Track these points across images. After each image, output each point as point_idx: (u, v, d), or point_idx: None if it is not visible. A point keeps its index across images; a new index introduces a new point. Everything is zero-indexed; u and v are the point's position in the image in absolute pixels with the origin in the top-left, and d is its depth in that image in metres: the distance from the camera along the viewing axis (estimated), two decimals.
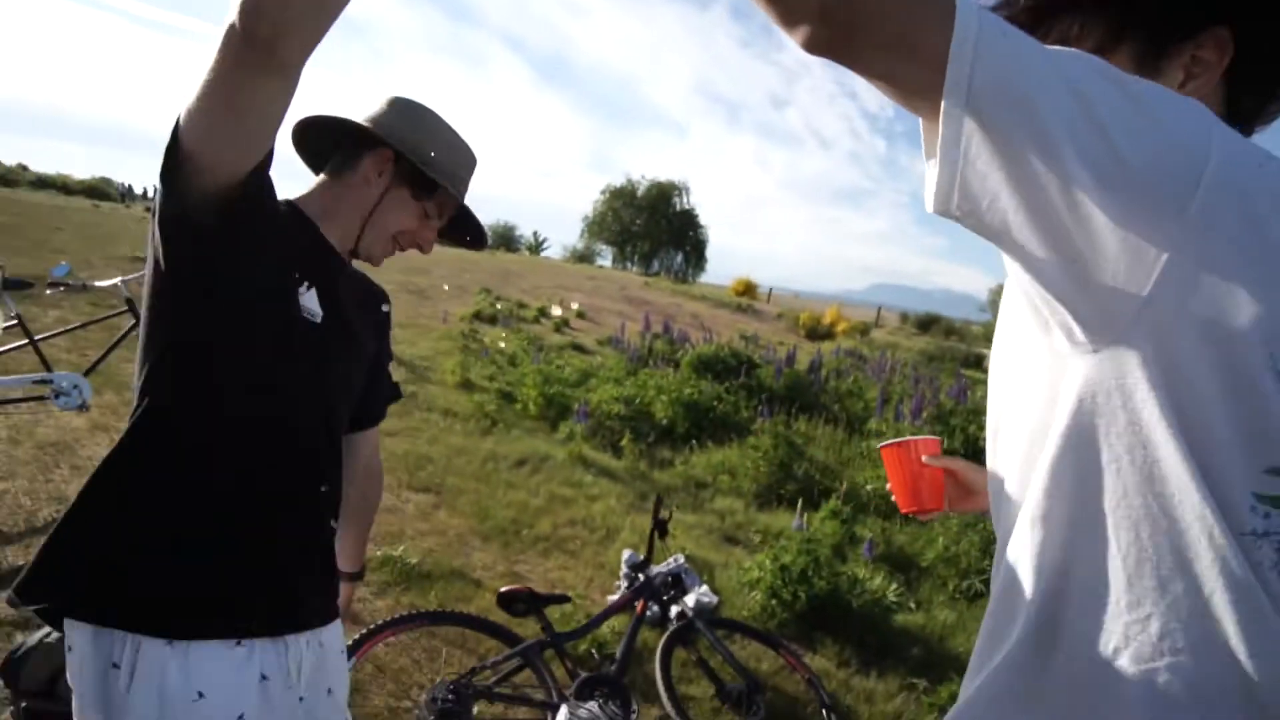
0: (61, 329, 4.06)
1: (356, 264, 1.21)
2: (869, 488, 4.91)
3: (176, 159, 0.80)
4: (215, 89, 0.75)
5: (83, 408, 3.52)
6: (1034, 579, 0.62)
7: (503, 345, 8.24)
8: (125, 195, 40.86)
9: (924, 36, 0.52)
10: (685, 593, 3.15)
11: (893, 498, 1.12)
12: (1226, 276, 0.52)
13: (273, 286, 0.98)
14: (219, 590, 0.97)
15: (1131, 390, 0.55)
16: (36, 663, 1.96)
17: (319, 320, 1.04)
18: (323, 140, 1.16)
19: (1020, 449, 0.67)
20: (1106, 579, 0.58)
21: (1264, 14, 0.62)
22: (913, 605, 3.54)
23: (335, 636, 1.17)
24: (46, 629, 2.04)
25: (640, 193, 50.71)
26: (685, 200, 51.54)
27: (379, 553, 3.10)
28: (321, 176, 1.15)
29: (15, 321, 3.35)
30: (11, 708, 1.95)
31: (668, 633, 2.59)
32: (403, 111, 1.13)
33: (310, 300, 1.03)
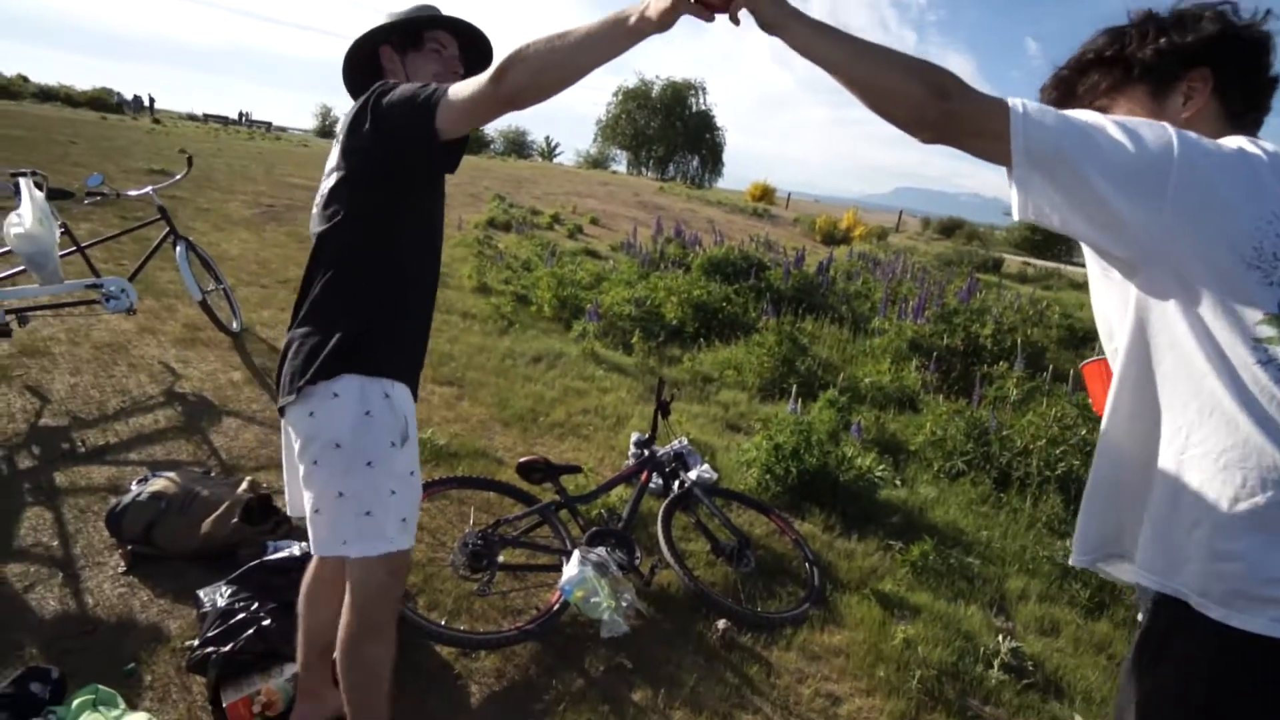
0: (101, 237, 4.30)
1: None
2: (867, 380, 5.18)
3: (429, 126, 1.24)
4: (468, 107, 1.21)
5: (130, 311, 3.80)
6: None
7: (517, 252, 8.42)
8: (131, 106, 40.16)
9: (994, 126, 0.92)
10: (687, 469, 3.48)
11: (1091, 404, 1.44)
12: (1196, 221, 0.87)
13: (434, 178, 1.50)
14: (411, 356, 1.49)
15: (1162, 294, 0.91)
16: (133, 515, 2.33)
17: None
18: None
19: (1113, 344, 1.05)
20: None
21: (1228, 59, 0.98)
22: (898, 482, 3.87)
23: None
24: (139, 490, 2.40)
25: (655, 93, 48.87)
26: (702, 101, 49.69)
27: None
28: None
29: (64, 230, 3.60)
30: (120, 550, 2.33)
31: (670, 496, 2.92)
32: (401, 11, 1.52)
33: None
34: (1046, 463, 3.83)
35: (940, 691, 2.31)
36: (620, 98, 49.57)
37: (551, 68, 1.15)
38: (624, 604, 2.39)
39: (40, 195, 3.51)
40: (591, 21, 1.17)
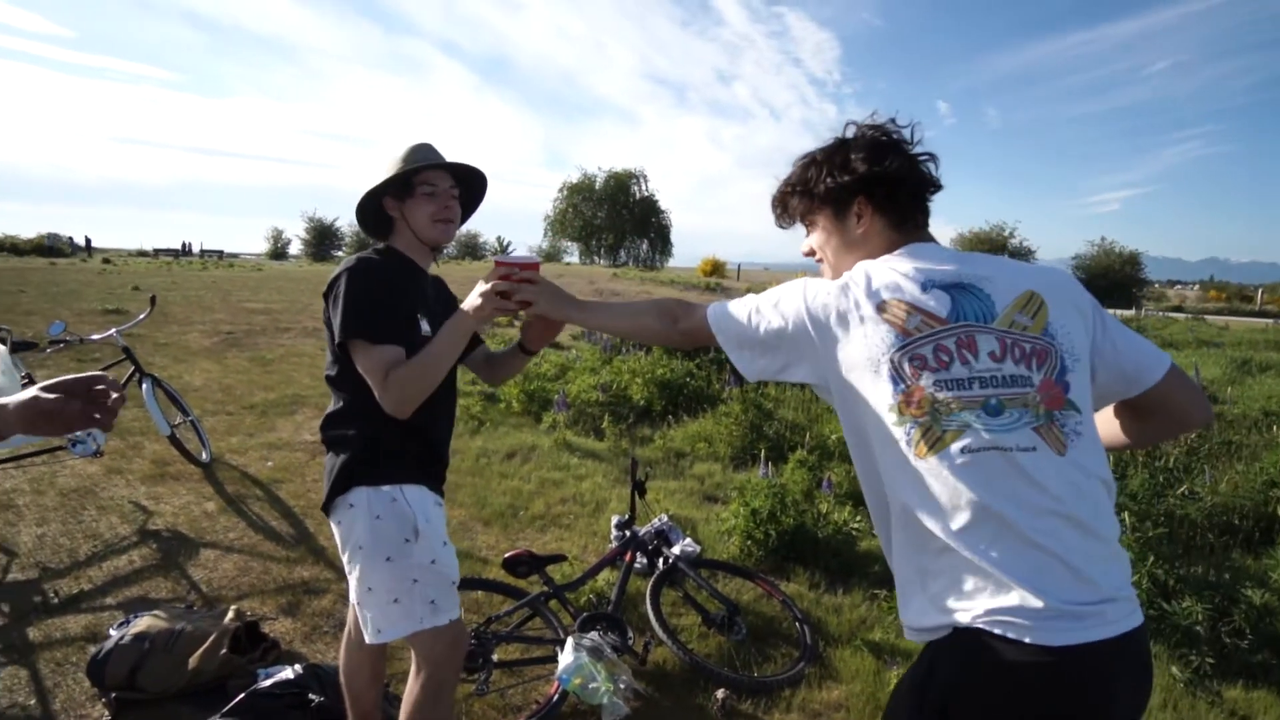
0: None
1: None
2: (834, 437, 5.34)
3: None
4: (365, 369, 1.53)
5: (97, 454, 3.79)
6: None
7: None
8: (79, 249, 40.23)
9: (708, 330, 1.29)
10: (670, 545, 3.54)
11: None
12: (827, 354, 1.15)
13: (412, 331, 1.62)
14: (418, 460, 1.67)
15: (840, 404, 1.17)
16: (116, 661, 2.30)
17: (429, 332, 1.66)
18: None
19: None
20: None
21: (876, 189, 1.24)
22: (874, 533, 3.96)
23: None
24: (120, 634, 2.37)
25: (599, 185, 50.77)
26: (644, 187, 51.72)
27: None
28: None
29: (26, 380, 3.62)
30: (103, 699, 2.28)
31: (656, 574, 2.97)
32: (398, 158, 1.69)
33: (424, 325, 1.66)
34: None
35: None
36: (566, 193, 51.36)
37: (421, 385, 1.53)
38: (622, 686, 2.41)
39: (3, 349, 3.55)
40: (441, 340, 1.55)
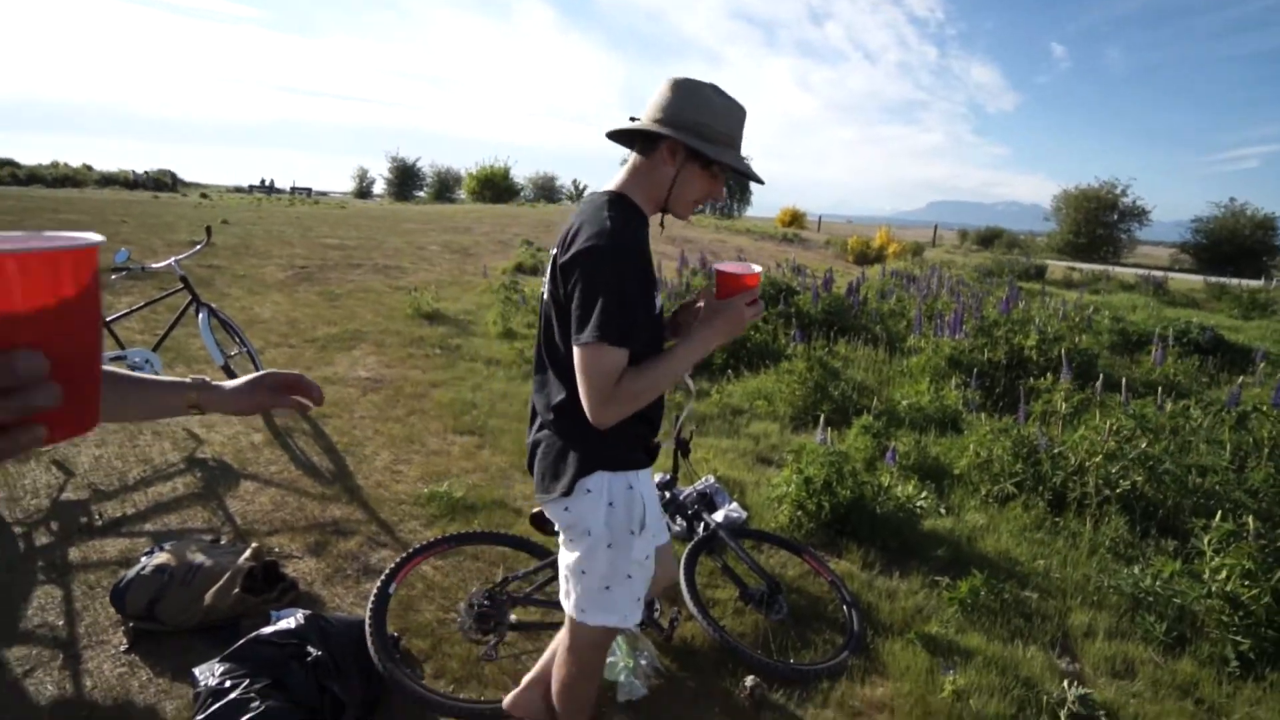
0: (127, 310, 4.40)
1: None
2: (905, 402, 4.94)
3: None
4: (587, 382, 1.37)
5: None
6: None
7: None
8: (180, 183, 42.78)
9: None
10: (714, 509, 3.31)
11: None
12: None
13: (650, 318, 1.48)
14: (644, 444, 1.60)
15: None
16: (137, 591, 2.28)
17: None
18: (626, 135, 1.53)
19: None
20: None
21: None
22: (942, 510, 3.61)
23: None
24: (142, 564, 2.35)
25: None
26: None
27: (426, 490, 3.36)
28: (634, 155, 1.50)
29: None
30: (123, 628, 2.27)
31: (693, 541, 2.75)
32: (683, 96, 1.43)
33: (658, 300, 1.53)
34: (1105, 481, 3.53)
35: None
36: None
37: (643, 402, 1.40)
38: (642, 663, 2.23)
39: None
40: (678, 361, 1.42)
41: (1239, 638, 2.54)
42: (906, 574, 3.01)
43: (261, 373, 1.07)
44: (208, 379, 1.05)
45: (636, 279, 1.38)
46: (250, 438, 3.85)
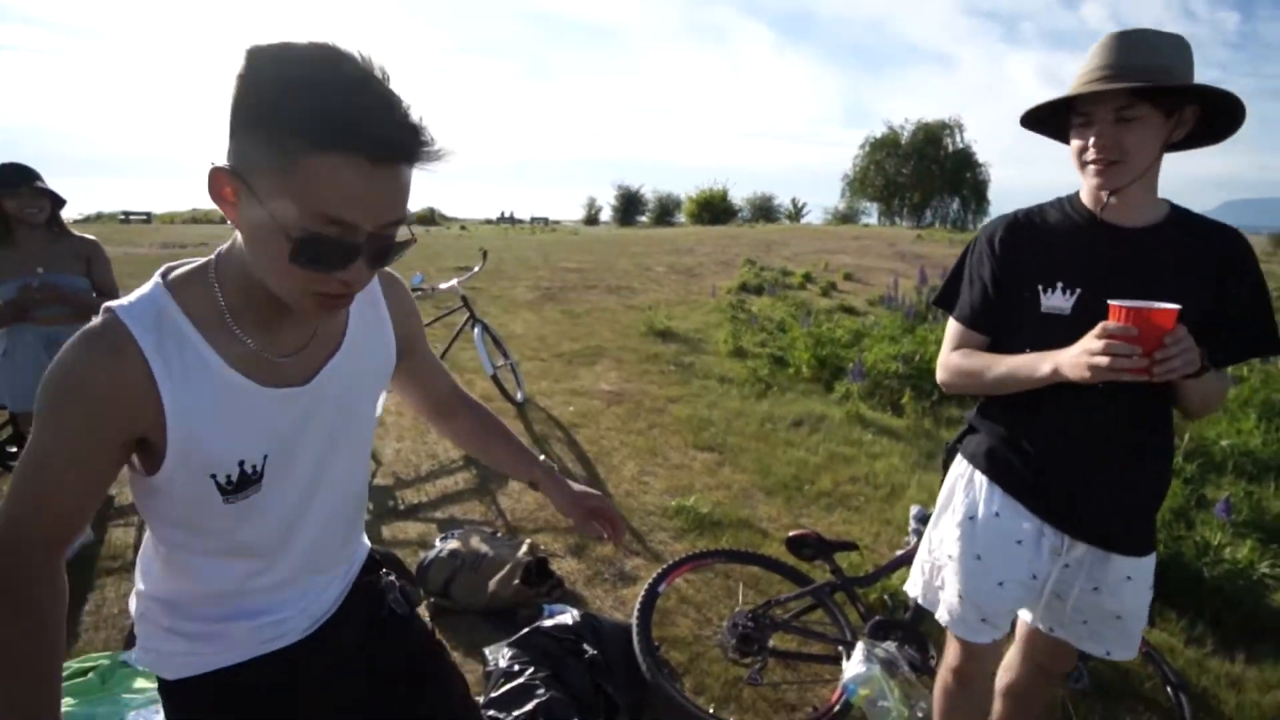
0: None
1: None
2: (1224, 443, 4.06)
3: None
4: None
5: None
6: None
7: (771, 314, 8.33)
8: (444, 219, 49.69)
9: None
10: None
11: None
12: None
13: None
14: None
15: None
16: (436, 570, 2.56)
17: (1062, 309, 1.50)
18: None
19: None
20: None
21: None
22: None
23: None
24: (439, 548, 2.64)
25: (905, 139, 46.65)
26: (959, 139, 46.19)
27: (673, 503, 3.42)
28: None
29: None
30: (426, 601, 2.57)
31: None
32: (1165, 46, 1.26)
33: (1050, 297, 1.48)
34: None
35: None
36: (868, 149, 48.08)
37: (971, 387, 1.49)
38: (919, 714, 2.02)
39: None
40: (1011, 370, 1.38)
41: None
42: (1254, 659, 2.43)
43: (589, 492, 1.23)
44: (554, 466, 1.26)
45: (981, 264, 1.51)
46: None
